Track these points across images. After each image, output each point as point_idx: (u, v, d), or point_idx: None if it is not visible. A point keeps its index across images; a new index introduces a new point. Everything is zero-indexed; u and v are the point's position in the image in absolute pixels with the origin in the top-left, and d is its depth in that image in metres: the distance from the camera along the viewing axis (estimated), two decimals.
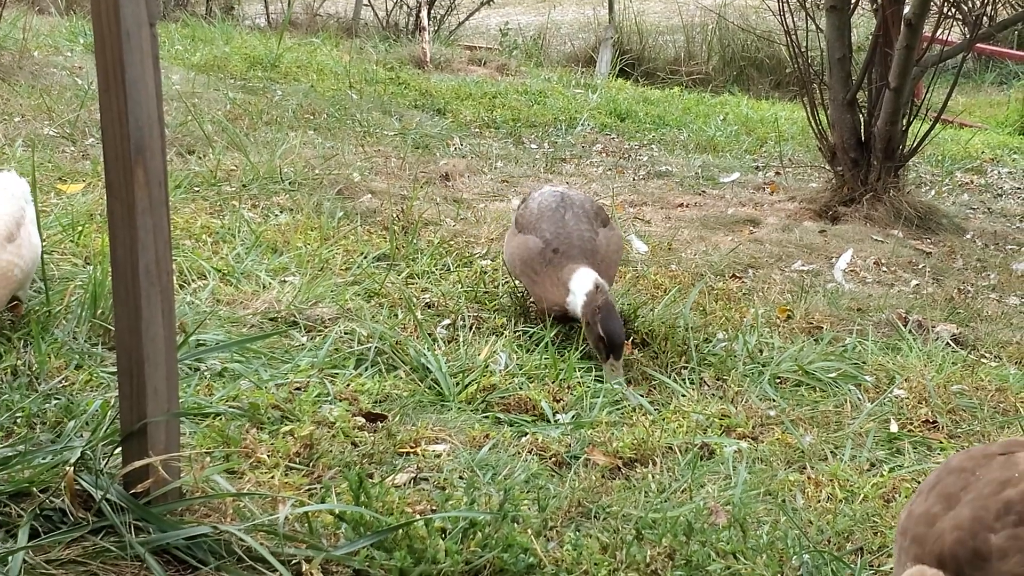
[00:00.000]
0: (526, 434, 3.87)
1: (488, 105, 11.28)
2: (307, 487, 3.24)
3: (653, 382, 4.58)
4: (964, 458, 2.59)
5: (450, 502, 3.12)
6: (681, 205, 8.29)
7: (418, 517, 2.95)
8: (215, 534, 2.76)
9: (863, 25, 14.08)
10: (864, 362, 4.95)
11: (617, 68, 16.19)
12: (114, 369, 3.73)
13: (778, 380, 4.70)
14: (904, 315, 5.78)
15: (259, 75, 10.91)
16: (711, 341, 5.04)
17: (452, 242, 6.08)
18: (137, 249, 2.73)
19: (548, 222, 4.87)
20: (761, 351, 4.97)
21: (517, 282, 5.17)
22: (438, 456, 3.62)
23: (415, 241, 5.84)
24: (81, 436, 3.10)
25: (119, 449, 2.87)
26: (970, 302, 6.37)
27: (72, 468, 2.82)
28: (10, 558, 2.58)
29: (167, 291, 2.81)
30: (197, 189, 6.38)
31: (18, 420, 3.30)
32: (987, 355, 5.44)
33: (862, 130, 8.32)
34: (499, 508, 3.12)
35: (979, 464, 2.51)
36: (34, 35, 10.15)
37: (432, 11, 16.00)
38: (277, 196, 6.47)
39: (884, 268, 7.01)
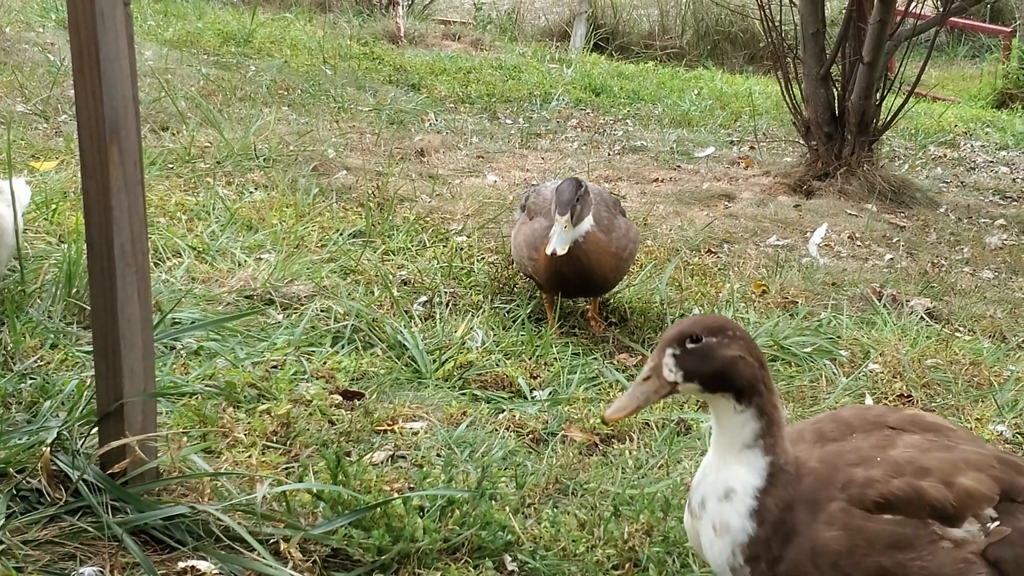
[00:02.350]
0: (503, 411, 3.88)
1: (463, 80, 11.24)
2: (284, 466, 3.24)
3: (631, 359, 4.59)
4: (856, 412, 2.60)
5: (428, 480, 3.12)
6: (656, 180, 8.30)
7: (396, 495, 2.95)
8: (193, 514, 2.75)
9: None
10: (839, 337, 4.98)
11: (591, 42, 16.16)
12: (90, 348, 3.72)
13: None
14: (878, 289, 5.82)
15: (232, 51, 10.83)
16: (687, 316, 5.04)
17: (428, 218, 6.07)
18: (112, 229, 2.71)
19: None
20: None
21: (527, 278, 5.02)
22: (415, 434, 3.62)
23: (391, 218, 5.83)
24: (57, 416, 3.08)
25: (96, 429, 2.86)
26: (944, 276, 6.41)
27: (48, 448, 2.81)
28: None
29: (143, 271, 2.80)
30: (171, 166, 6.35)
31: None
32: (961, 329, 5.49)
33: (836, 104, 8.34)
34: (477, 486, 3.13)
35: (863, 426, 2.53)
36: (5, 11, 10.06)
37: None
38: (252, 173, 6.44)
39: (858, 242, 7.05)
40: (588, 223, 4.55)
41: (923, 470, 2.37)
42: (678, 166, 8.94)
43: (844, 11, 8.79)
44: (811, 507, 2.35)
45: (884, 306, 5.53)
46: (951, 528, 2.34)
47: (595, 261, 4.56)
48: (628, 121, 10.67)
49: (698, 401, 4.17)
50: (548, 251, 4.39)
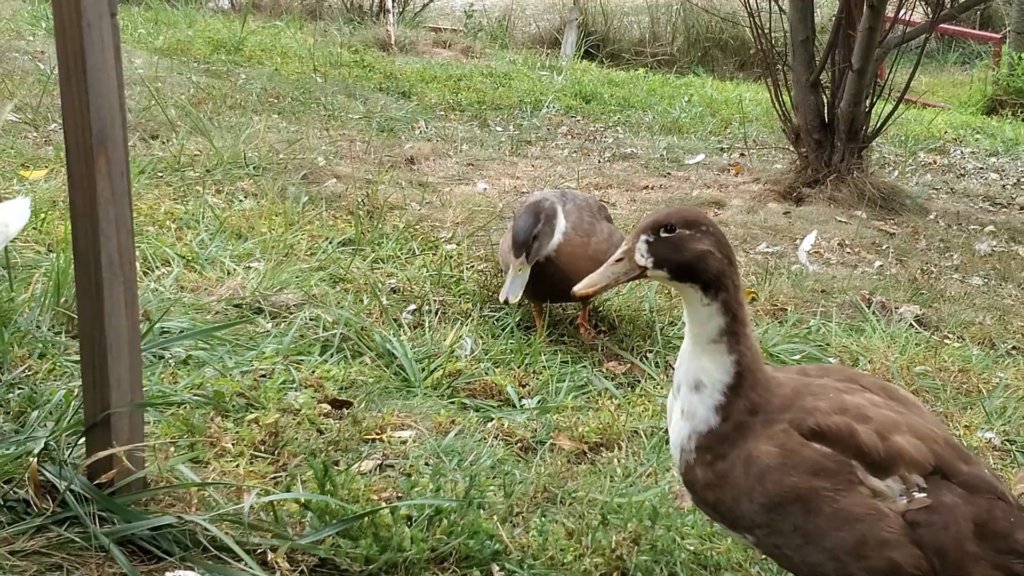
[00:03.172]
0: (492, 419, 3.89)
1: (453, 88, 11.25)
2: (272, 475, 3.24)
3: (620, 367, 4.59)
4: (838, 368, 2.70)
5: (416, 489, 3.12)
6: (646, 187, 8.32)
7: (384, 505, 2.95)
8: (180, 524, 2.75)
9: (826, 6, 14.16)
10: (828, 344, 4.99)
11: (582, 50, 16.19)
12: (78, 358, 3.71)
13: None
14: (868, 296, 5.83)
15: (223, 59, 10.83)
16: (676, 324, 5.06)
17: (417, 226, 6.07)
18: (100, 240, 2.71)
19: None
20: None
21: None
22: (404, 442, 3.62)
23: (380, 226, 5.83)
24: (45, 426, 3.08)
25: (83, 439, 2.86)
26: (933, 283, 6.43)
27: (36, 459, 2.80)
28: None
29: (130, 281, 2.80)
30: (161, 175, 6.34)
31: None
32: (950, 336, 5.50)
33: (826, 111, 8.37)
34: (465, 495, 3.13)
35: (838, 376, 2.61)
36: None
37: None
38: (241, 181, 6.44)
39: (848, 249, 7.07)
40: (559, 233, 4.42)
41: (864, 417, 2.45)
42: (668, 173, 8.95)
43: (833, 18, 8.81)
44: (768, 423, 2.45)
45: (873, 313, 5.54)
46: (873, 477, 2.40)
47: (571, 269, 4.29)
48: (618, 128, 10.68)
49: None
50: (501, 299, 4.24)
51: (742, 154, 9.94)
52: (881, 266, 6.76)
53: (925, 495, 2.42)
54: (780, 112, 8.53)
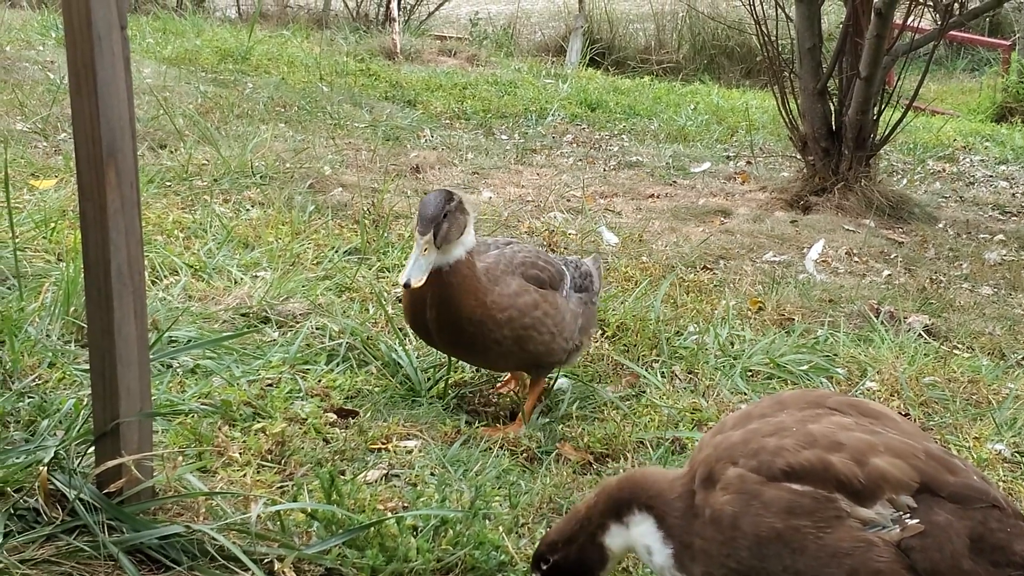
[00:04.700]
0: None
1: (458, 96, 11.28)
2: (279, 485, 3.25)
3: (625, 377, 4.60)
4: (798, 394, 2.66)
5: (422, 499, 3.14)
6: (652, 196, 8.33)
7: (390, 515, 2.96)
8: (188, 533, 2.77)
9: (833, 14, 14.16)
10: (836, 354, 4.99)
11: (587, 57, 16.21)
12: (87, 367, 3.72)
13: (749, 373, 4.74)
14: (876, 306, 5.83)
15: (230, 68, 10.87)
16: (682, 334, 5.07)
17: None
18: (109, 250, 2.73)
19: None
20: (732, 344, 5.01)
21: None
22: (409, 452, 3.64)
23: (386, 235, 5.85)
24: (55, 435, 3.09)
25: (92, 448, 2.87)
26: (942, 292, 6.43)
27: (46, 468, 2.82)
28: None
29: (139, 291, 2.81)
30: (169, 184, 6.37)
31: None
32: (960, 346, 5.50)
33: (833, 119, 8.38)
34: (470, 505, 3.14)
35: (797, 405, 2.58)
36: (6, 29, 10.10)
37: (402, 1, 15.97)
38: (248, 191, 6.46)
39: (856, 258, 7.07)
40: (461, 250, 3.73)
41: (836, 444, 2.41)
42: (674, 181, 8.96)
43: (840, 25, 8.83)
44: (708, 484, 2.46)
45: (882, 323, 5.54)
46: (860, 507, 2.37)
47: (454, 298, 3.74)
48: (624, 136, 10.70)
49: (693, 419, 4.19)
50: (401, 280, 3.64)
51: (748, 162, 9.95)
52: (889, 275, 6.76)
53: (917, 520, 2.37)
54: (787, 120, 8.54)
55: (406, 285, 3.61)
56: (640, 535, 2.54)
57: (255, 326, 4.43)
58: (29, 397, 3.48)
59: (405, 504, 3.18)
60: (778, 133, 10.79)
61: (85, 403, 3.18)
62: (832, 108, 8.41)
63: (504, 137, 9.99)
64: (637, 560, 2.98)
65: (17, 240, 4.53)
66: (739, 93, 14.40)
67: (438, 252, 3.64)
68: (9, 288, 4.41)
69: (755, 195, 8.56)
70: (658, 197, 8.29)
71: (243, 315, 4.54)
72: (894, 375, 4.70)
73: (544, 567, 2.63)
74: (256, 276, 4.98)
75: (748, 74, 16.81)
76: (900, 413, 4.39)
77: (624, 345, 4.83)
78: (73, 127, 2.76)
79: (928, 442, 2.54)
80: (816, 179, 8.39)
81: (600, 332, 4.87)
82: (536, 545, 2.73)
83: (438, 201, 3.65)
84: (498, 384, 4.33)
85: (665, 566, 2.52)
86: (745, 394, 4.49)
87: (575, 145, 10.07)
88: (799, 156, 8.72)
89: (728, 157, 10.17)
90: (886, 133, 8.34)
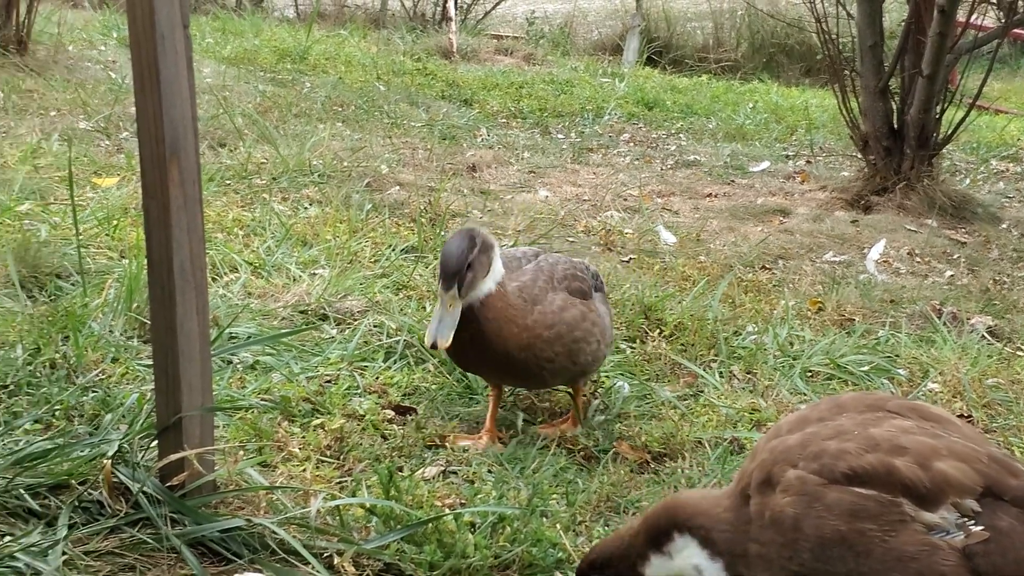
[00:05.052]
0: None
1: (515, 95, 11.29)
2: (338, 480, 3.28)
3: (683, 377, 4.58)
4: (856, 397, 2.62)
5: (479, 496, 3.15)
6: (710, 195, 8.29)
7: (447, 511, 2.97)
8: (249, 527, 2.79)
9: (895, 11, 13.98)
10: (897, 355, 4.93)
11: (644, 56, 16.15)
12: (149, 362, 3.78)
13: (809, 373, 4.70)
14: (938, 307, 5.75)
15: (288, 67, 10.96)
16: (740, 334, 5.03)
17: None
18: (172, 247, 2.76)
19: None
20: (792, 344, 4.97)
21: None
22: (466, 450, 3.64)
23: (442, 233, 5.87)
24: (118, 429, 3.14)
25: (155, 442, 2.91)
26: (1006, 293, 6.33)
27: (110, 461, 2.86)
28: (50, 550, 2.63)
29: (201, 288, 2.85)
30: (228, 182, 6.44)
31: (56, 413, 3.36)
32: (1023, 348, 5.41)
33: (895, 118, 8.28)
34: (528, 503, 3.15)
35: (856, 408, 2.54)
36: (68, 29, 10.23)
37: (459, 1, 16.01)
38: (306, 189, 6.52)
39: (918, 259, 6.98)
40: (490, 283, 3.53)
41: (899, 448, 2.38)
42: (732, 181, 8.91)
43: (903, 23, 8.72)
44: (766, 488, 2.43)
45: (944, 324, 5.46)
46: (925, 511, 2.34)
47: (495, 331, 3.54)
48: (681, 135, 10.65)
49: (752, 420, 4.16)
50: (427, 342, 3.44)
51: (808, 161, 9.87)
52: (952, 276, 6.68)
53: (981, 526, 2.34)
54: (848, 119, 8.46)
55: (433, 346, 3.43)
56: (685, 558, 2.53)
57: (313, 323, 4.47)
58: (93, 392, 3.54)
59: (463, 501, 3.19)
60: (838, 132, 10.68)
61: (148, 398, 3.23)
62: (894, 107, 8.30)
63: (560, 136, 9.98)
64: None
65: (80, 237, 4.60)
66: (798, 92, 14.26)
67: (474, 290, 3.48)
68: (73, 284, 4.48)
69: (815, 194, 8.49)
70: (716, 196, 8.25)
71: (301, 312, 4.58)
72: (956, 376, 4.64)
73: None
74: (314, 273, 5.01)
75: (808, 72, 16.64)
76: (962, 415, 4.33)
77: (682, 344, 4.81)
78: (137, 126, 2.80)
79: (989, 446, 2.51)
80: (877, 178, 8.29)
81: (658, 331, 4.85)
82: (590, 550, 2.71)
83: (460, 251, 3.42)
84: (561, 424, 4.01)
85: None
86: (805, 395, 4.45)
87: (632, 144, 10.04)
88: (860, 155, 8.62)
89: (787, 156, 10.09)
90: (949, 132, 8.22)
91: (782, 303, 5.48)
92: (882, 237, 7.23)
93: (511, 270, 3.71)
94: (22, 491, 2.84)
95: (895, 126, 8.28)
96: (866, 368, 4.74)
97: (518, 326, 3.57)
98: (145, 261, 4.16)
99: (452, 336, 3.38)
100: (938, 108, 8.16)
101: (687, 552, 2.52)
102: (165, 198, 2.75)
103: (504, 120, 10.34)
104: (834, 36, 8.55)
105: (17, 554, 2.59)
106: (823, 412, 2.56)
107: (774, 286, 5.96)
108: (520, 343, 3.58)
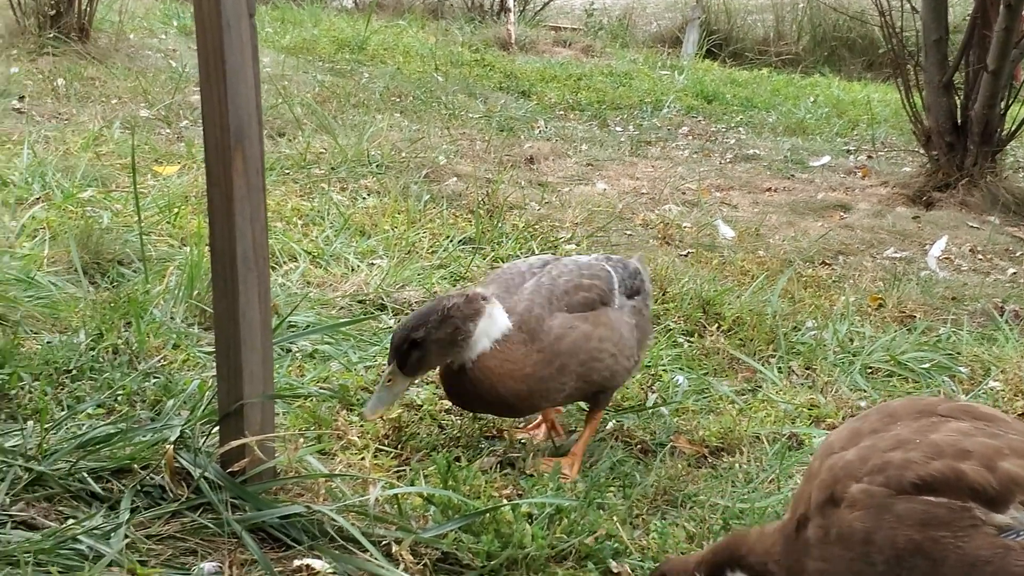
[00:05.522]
0: (610, 421, 3.88)
1: (573, 87, 11.26)
2: (395, 469, 3.29)
3: (742, 372, 4.55)
4: (906, 403, 2.60)
5: (536, 488, 3.14)
6: (769, 189, 8.22)
7: (505, 502, 2.97)
8: (308, 514, 2.81)
9: (960, 5, 13.78)
10: (959, 353, 4.86)
11: (704, 49, 16.03)
12: (210, 349, 3.82)
13: (869, 370, 4.65)
14: (1000, 304, 5.67)
15: (347, 57, 11.02)
16: (800, 329, 4.99)
17: (537, 226, 6.09)
18: (235, 236, 2.78)
19: (495, 284, 3.56)
20: (852, 340, 4.92)
21: None
22: (523, 442, 3.64)
23: (500, 225, 5.87)
24: (179, 415, 3.18)
25: (216, 429, 2.94)
26: None
27: (172, 446, 2.89)
28: (113, 533, 2.66)
29: (263, 276, 2.86)
30: (287, 172, 6.48)
31: (119, 398, 3.40)
32: None
33: (958, 114, 8.16)
34: (585, 495, 3.14)
35: (909, 415, 2.52)
36: (129, 17, 10.34)
37: None
38: (365, 179, 6.54)
39: (980, 256, 6.88)
40: (485, 341, 3.29)
41: (964, 452, 2.36)
42: (792, 175, 8.83)
43: (968, 18, 8.59)
44: (830, 505, 2.42)
45: (1006, 322, 5.38)
46: (995, 513, 2.32)
47: (489, 389, 3.31)
48: (741, 129, 10.57)
49: (811, 416, 4.12)
50: (363, 411, 3.31)
51: (869, 156, 9.76)
52: (1015, 274, 6.57)
53: None
54: (910, 114, 8.35)
55: (360, 416, 3.34)
56: None
57: (372, 313, 4.49)
58: (154, 378, 3.59)
59: (519, 492, 3.19)
60: (900, 127, 10.56)
61: (209, 385, 3.26)
62: (958, 102, 8.19)
63: (619, 129, 9.94)
64: None
65: (142, 224, 4.66)
66: (860, 86, 14.11)
67: (428, 369, 3.30)
68: (135, 271, 4.54)
69: (876, 190, 8.39)
70: (775, 191, 8.18)
71: (360, 302, 4.60)
72: (1019, 375, 4.56)
73: None
74: (372, 264, 5.04)
75: (870, 67, 16.45)
76: None
77: (740, 339, 4.77)
78: (202, 114, 2.82)
79: None
80: (940, 174, 8.18)
81: (716, 326, 4.82)
82: (663, 562, 2.72)
83: (409, 327, 3.23)
84: (527, 426, 3.84)
85: None
86: (864, 391, 4.40)
87: (691, 137, 9.98)
88: (922, 151, 8.51)
89: (848, 151, 9.99)
90: (1013, 128, 8.09)
91: (842, 299, 5.43)
92: (944, 234, 7.13)
93: (512, 291, 3.46)
94: (85, 475, 2.88)
95: (958, 122, 8.16)
96: (927, 366, 4.68)
97: (516, 379, 3.31)
98: (206, 249, 4.23)
99: (384, 410, 3.29)
100: (1002, 104, 8.05)
101: None
102: (229, 187, 2.77)
103: (562, 112, 10.32)
104: (898, 30, 8.45)
105: (80, 536, 2.62)
106: (875, 423, 2.54)
107: (834, 282, 5.90)
108: (520, 393, 3.34)
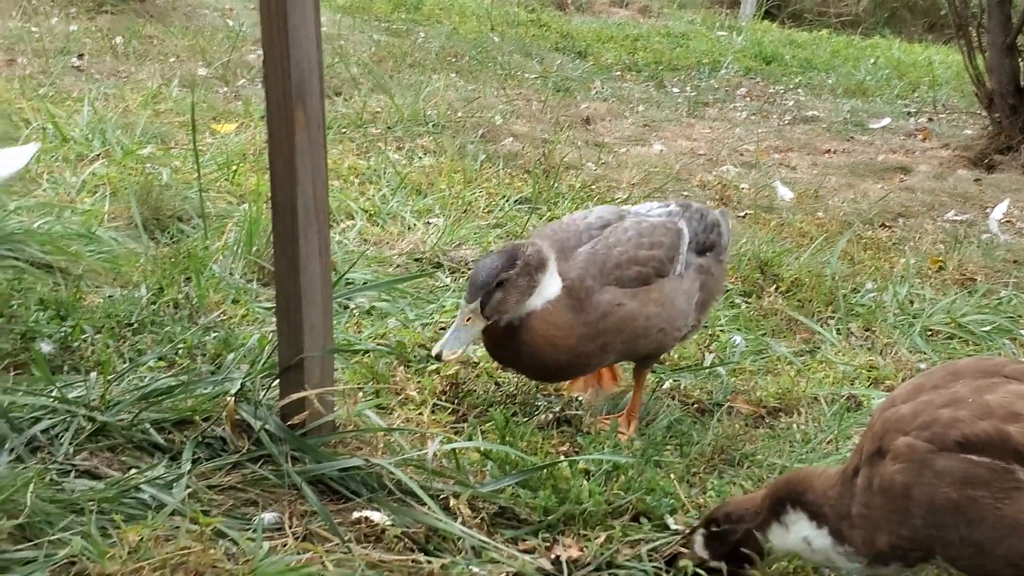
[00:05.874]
0: (668, 380, 3.87)
1: (630, 48, 11.18)
2: (453, 425, 3.31)
3: (800, 333, 4.52)
4: (972, 363, 2.58)
5: (593, 445, 3.15)
6: (828, 151, 8.13)
7: (563, 458, 2.98)
8: (367, 467, 2.83)
9: None
10: (1020, 316, 4.80)
11: (763, 10, 15.83)
12: (268, 305, 3.86)
13: (929, 333, 4.60)
14: None
15: (403, 17, 11.01)
16: (859, 291, 4.95)
17: (593, 186, 6.07)
18: (296, 190, 2.80)
19: (549, 241, 3.39)
20: (911, 302, 4.87)
21: None
22: (579, 399, 3.64)
23: (556, 185, 5.85)
24: (240, 369, 3.20)
25: (276, 382, 2.96)
26: None
27: (233, 399, 2.91)
28: (175, 483, 2.69)
29: (323, 230, 2.88)
30: (344, 131, 6.50)
31: (180, 351, 3.43)
32: None
33: (1021, 76, 8.02)
34: (642, 453, 3.14)
35: (972, 375, 2.50)
36: None
37: None
38: (421, 138, 6.55)
39: None
40: (538, 300, 3.19)
41: (1014, 415, 2.34)
42: (851, 137, 8.72)
43: None
44: (877, 456, 2.43)
45: None
46: None
47: (536, 351, 3.23)
48: (800, 91, 10.45)
49: (870, 377, 4.09)
50: (433, 351, 3.16)
51: (930, 119, 9.61)
52: None
53: None
54: (972, 76, 8.21)
55: (437, 357, 3.14)
56: (796, 532, 2.56)
57: (428, 271, 4.50)
58: (214, 332, 3.62)
59: (576, 449, 3.20)
60: (962, 90, 10.39)
61: (269, 338, 3.29)
62: (1021, 64, 8.04)
63: (676, 90, 9.87)
64: None
65: (201, 181, 4.69)
66: (921, 48, 13.89)
67: (503, 315, 3.16)
68: (194, 227, 4.58)
69: (937, 152, 8.28)
70: (835, 152, 8.09)
71: (416, 260, 4.62)
72: None
73: (714, 529, 2.64)
74: (429, 222, 5.05)
75: (931, 28, 16.18)
76: None
77: (799, 301, 4.74)
78: (264, 69, 2.82)
79: None
80: (1002, 137, 8.05)
81: (774, 287, 4.79)
82: (724, 502, 2.71)
83: (493, 267, 3.14)
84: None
85: (827, 546, 2.52)
86: (924, 354, 4.36)
87: (749, 99, 9.89)
88: (984, 113, 8.38)
89: (909, 113, 9.85)
90: None
91: (902, 261, 5.37)
92: (1006, 196, 7.02)
93: (566, 253, 3.33)
94: (148, 425, 2.91)
95: (1021, 84, 8.02)
96: (987, 328, 4.63)
97: (558, 348, 3.22)
98: (265, 206, 4.27)
99: (461, 351, 3.14)
100: None
101: (798, 526, 2.55)
102: (290, 140, 2.78)
103: (619, 73, 10.25)
104: None
105: (143, 486, 2.65)
106: (938, 380, 2.53)
107: (894, 244, 5.84)
108: (559, 362, 3.26)
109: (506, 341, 3.22)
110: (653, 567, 2.69)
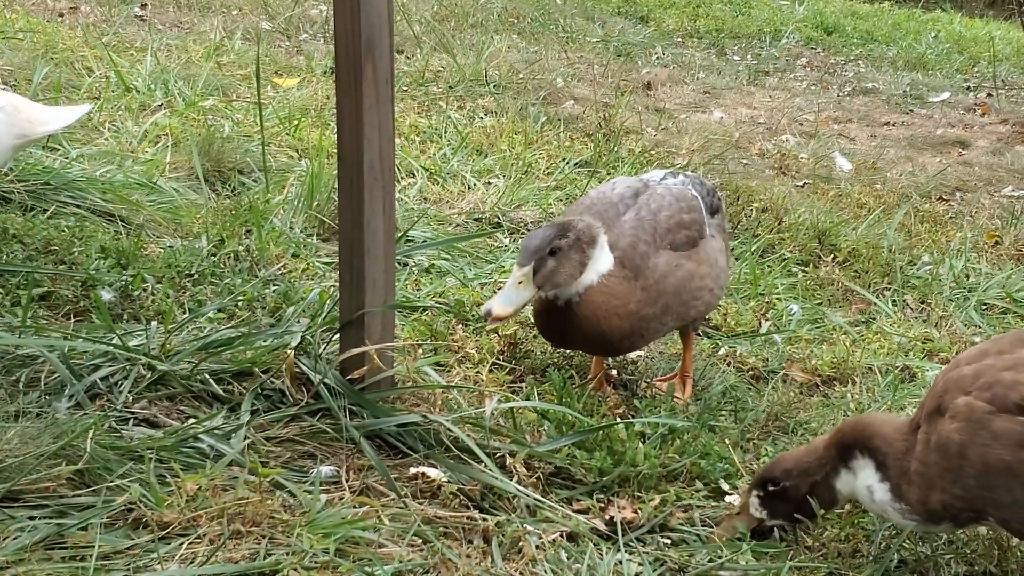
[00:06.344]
0: (723, 347, 3.87)
1: (692, 14, 11.09)
2: (510, 385, 3.33)
3: (856, 303, 4.50)
4: (1021, 339, 2.56)
5: (649, 408, 3.16)
6: (887, 123, 8.05)
7: (619, 420, 2.99)
8: (425, 423, 2.84)
9: None
10: None
11: None
12: (328, 260, 3.89)
13: (984, 306, 4.57)
14: None
15: None
16: (915, 263, 4.91)
17: (653, 152, 6.05)
18: (363, 145, 2.81)
19: (589, 214, 3.34)
20: (967, 276, 4.83)
21: None
22: (635, 363, 3.65)
23: (616, 149, 5.84)
24: (299, 322, 3.22)
25: (336, 336, 2.98)
26: None
27: (293, 352, 2.93)
28: (233, 433, 2.72)
29: (388, 186, 2.89)
30: (406, 89, 6.51)
31: (239, 303, 3.47)
32: None
33: None
34: (698, 417, 3.15)
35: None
36: None
37: None
38: (482, 98, 6.54)
39: None
40: (593, 275, 3.16)
41: None
42: (911, 110, 8.62)
43: None
44: (936, 414, 2.45)
45: None
46: None
47: (594, 326, 3.18)
48: (860, 62, 10.33)
49: (924, 349, 4.07)
50: (482, 309, 3.10)
51: (989, 94, 9.47)
52: None
53: None
54: None
55: (486, 316, 3.07)
56: (862, 479, 2.55)
57: (487, 231, 4.51)
58: (274, 285, 3.65)
59: (632, 412, 3.21)
60: (1022, 66, 10.23)
61: (330, 293, 3.32)
62: None
63: (736, 58, 9.78)
64: None
65: (264, 135, 4.72)
66: (983, 23, 13.66)
67: (555, 288, 3.12)
68: (255, 180, 4.61)
69: (995, 128, 8.17)
70: (894, 125, 8.00)
71: (476, 220, 4.63)
72: None
73: (771, 488, 2.63)
74: (489, 183, 5.06)
75: (992, 4, 15.92)
76: None
77: (855, 271, 4.72)
78: (334, 23, 2.83)
79: None
80: None
81: (831, 257, 4.76)
82: (776, 458, 2.71)
83: (547, 235, 3.11)
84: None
85: (885, 500, 2.52)
86: (979, 327, 4.33)
87: (809, 69, 9.79)
88: None
89: (968, 88, 9.71)
90: None
91: (959, 235, 5.32)
92: None
93: (610, 223, 3.29)
94: (207, 376, 2.92)
95: None
96: None
97: (620, 316, 3.18)
98: (326, 161, 4.29)
99: (511, 313, 3.09)
100: None
101: (864, 473, 2.54)
102: (358, 96, 2.79)
103: (680, 39, 10.18)
104: None
105: (202, 435, 2.68)
106: (1004, 345, 2.52)
107: (951, 218, 5.78)
108: (623, 331, 3.22)
109: (565, 319, 3.18)
110: (706, 532, 2.70)
